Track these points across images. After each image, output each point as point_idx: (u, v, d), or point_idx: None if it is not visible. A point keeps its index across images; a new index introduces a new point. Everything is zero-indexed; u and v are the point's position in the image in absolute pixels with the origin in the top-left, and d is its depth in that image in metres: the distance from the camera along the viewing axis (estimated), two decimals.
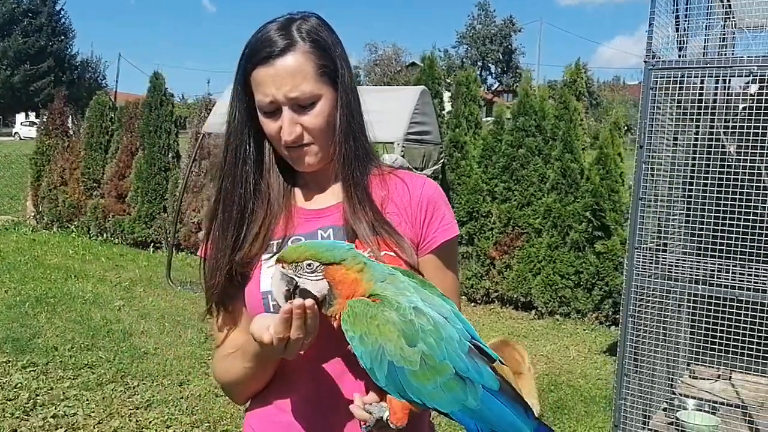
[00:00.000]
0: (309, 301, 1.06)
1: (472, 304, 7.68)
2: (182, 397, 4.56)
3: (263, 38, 1.19)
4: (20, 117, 41.69)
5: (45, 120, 11.82)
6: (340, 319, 1.09)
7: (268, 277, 1.20)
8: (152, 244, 10.07)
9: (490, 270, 7.60)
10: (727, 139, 3.54)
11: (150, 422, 4.19)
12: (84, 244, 10.22)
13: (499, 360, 1.13)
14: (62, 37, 48.36)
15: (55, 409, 4.31)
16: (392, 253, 1.23)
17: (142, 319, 6.41)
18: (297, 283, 1.09)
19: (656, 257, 3.06)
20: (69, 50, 49.02)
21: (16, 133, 37.94)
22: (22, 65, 45.45)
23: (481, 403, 1.05)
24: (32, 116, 37.11)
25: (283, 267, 1.09)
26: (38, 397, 4.46)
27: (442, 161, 7.91)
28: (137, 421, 4.21)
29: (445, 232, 1.30)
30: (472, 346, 1.10)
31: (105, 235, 10.56)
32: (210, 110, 9.05)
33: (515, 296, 7.41)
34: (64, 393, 4.55)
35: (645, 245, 3.07)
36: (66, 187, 11.11)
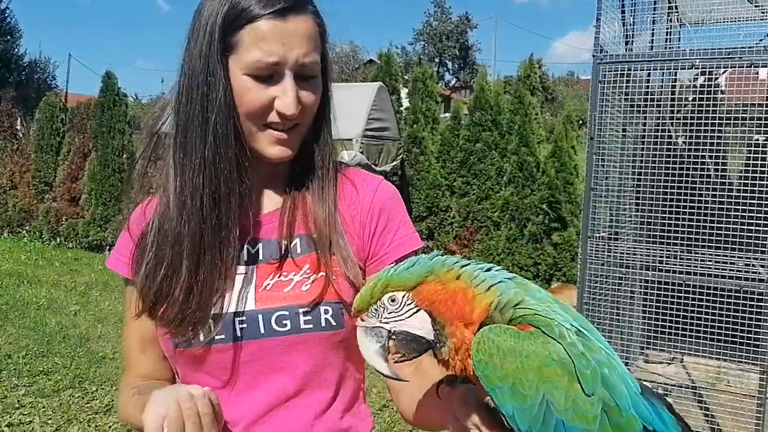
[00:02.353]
0: (201, 400, 0.87)
1: None
2: None
3: None
4: None
5: None
6: (468, 360, 0.76)
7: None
8: (108, 247, 9.88)
9: None
10: (675, 130, 3.66)
11: (110, 427, 4.12)
12: (36, 248, 9.96)
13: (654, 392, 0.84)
14: (8, 37, 46.92)
15: (10, 417, 4.20)
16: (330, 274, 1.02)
17: (99, 324, 6.29)
18: (389, 331, 0.79)
19: (609, 246, 3.15)
20: (16, 50, 47.60)
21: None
22: None
23: None
24: None
25: (362, 319, 0.80)
26: None
27: (400, 157, 7.97)
28: (96, 426, 4.14)
29: (402, 246, 1.08)
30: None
31: (58, 239, 10.31)
32: (165, 109, 8.95)
33: None
34: (19, 401, 4.45)
35: (597, 234, 3.16)
36: (16, 191, 10.81)
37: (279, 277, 1.02)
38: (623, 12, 3.22)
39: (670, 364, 3.73)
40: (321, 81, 1.04)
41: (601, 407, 0.72)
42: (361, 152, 6.92)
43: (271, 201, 1.08)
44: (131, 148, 10.28)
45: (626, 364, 3.69)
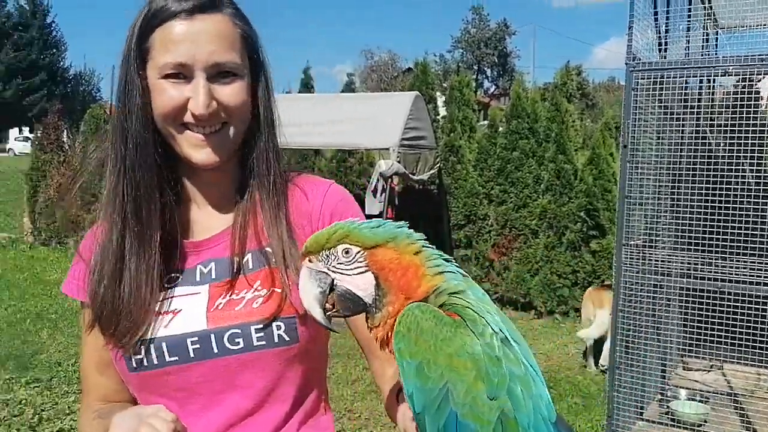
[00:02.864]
0: (165, 424, 0.87)
1: None
2: None
3: None
4: (13, 132, 41.35)
5: (40, 135, 11.65)
6: (392, 330, 0.77)
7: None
8: None
9: (489, 272, 7.69)
10: (713, 137, 3.63)
11: None
12: None
13: None
14: (54, 50, 48.32)
15: (61, 423, 4.36)
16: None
17: None
18: (333, 280, 0.79)
19: (644, 253, 3.15)
20: (61, 63, 48.98)
21: (10, 149, 37.65)
22: (14, 79, 45.45)
23: None
24: (26, 131, 36.95)
25: (310, 260, 0.80)
26: (43, 413, 4.52)
27: (437, 165, 8.01)
28: None
29: None
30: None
31: None
32: None
33: (515, 297, 7.49)
34: (69, 407, 4.61)
35: (633, 242, 3.16)
36: (63, 202, 11.10)
37: (231, 295, 1.00)
38: (656, 19, 3.23)
39: (709, 371, 3.69)
40: (247, 85, 1.01)
41: (499, 415, 0.72)
42: (398, 161, 6.99)
43: (221, 220, 1.07)
44: None
45: (664, 372, 3.67)
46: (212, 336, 0.97)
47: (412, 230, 0.81)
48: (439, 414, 0.73)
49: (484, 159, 7.78)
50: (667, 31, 3.31)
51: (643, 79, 3.06)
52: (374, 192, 7.31)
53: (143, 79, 0.97)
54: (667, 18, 3.33)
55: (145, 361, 0.98)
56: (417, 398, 0.75)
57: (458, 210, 7.76)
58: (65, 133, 11.96)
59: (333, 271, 0.79)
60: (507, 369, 0.73)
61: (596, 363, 5.49)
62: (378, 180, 7.20)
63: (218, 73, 0.97)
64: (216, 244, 1.04)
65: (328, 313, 0.81)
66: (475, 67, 53.99)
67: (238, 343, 0.98)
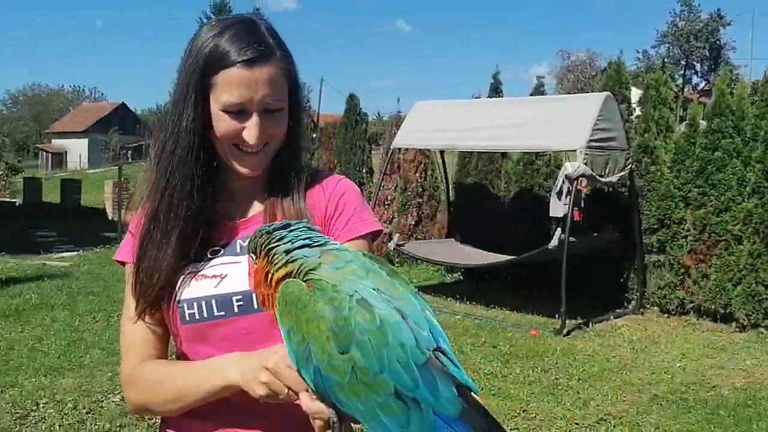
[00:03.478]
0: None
1: (665, 315, 7.34)
2: None
3: (237, 40, 1.17)
4: None
5: None
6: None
7: (188, 287, 1.21)
8: None
9: (685, 279, 7.21)
10: None
11: None
12: None
13: (474, 390, 0.90)
14: None
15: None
16: None
17: None
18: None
19: None
20: None
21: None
22: None
23: (428, 429, 0.84)
24: None
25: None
26: None
27: (629, 167, 7.68)
28: None
29: (351, 232, 1.25)
30: (435, 358, 0.87)
31: None
32: (399, 126, 9.63)
33: (713, 307, 6.95)
34: None
35: None
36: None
37: None
38: None
39: None
40: (287, 112, 1.22)
41: (352, 366, 0.85)
42: (585, 163, 6.84)
43: (255, 207, 1.29)
44: (369, 164, 11.26)
45: None
46: (254, 295, 1.15)
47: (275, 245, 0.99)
48: (308, 370, 0.90)
49: (682, 160, 7.31)
50: None
51: None
52: (559, 194, 7.22)
53: (202, 103, 1.18)
54: None
55: (196, 315, 1.19)
56: (292, 356, 0.92)
57: (651, 213, 7.38)
58: None
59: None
60: (355, 325, 0.85)
61: None
62: (563, 182, 7.10)
63: (267, 110, 1.19)
64: (251, 224, 1.25)
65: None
66: (683, 62, 49.95)
67: None
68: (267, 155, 1.23)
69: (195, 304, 1.19)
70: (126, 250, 1.30)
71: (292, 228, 1.01)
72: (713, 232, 6.92)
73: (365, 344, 0.84)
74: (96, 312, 6.73)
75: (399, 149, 9.32)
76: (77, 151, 52.07)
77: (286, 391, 1.00)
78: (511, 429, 4.20)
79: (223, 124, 1.18)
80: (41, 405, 4.29)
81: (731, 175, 6.82)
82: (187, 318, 1.19)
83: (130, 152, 52.22)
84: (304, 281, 0.92)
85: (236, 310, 1.18)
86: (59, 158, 52.45)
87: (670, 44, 50.28)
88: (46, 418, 4.11)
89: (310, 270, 0.93)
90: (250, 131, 1.18)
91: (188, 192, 1.21)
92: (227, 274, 1.21)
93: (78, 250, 11.26)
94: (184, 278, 1.21)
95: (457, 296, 7.91)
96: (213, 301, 1.19)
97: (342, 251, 0.98)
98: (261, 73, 1.16)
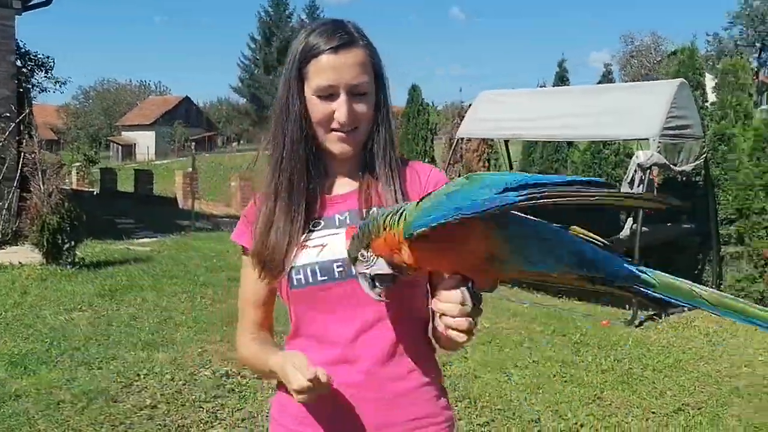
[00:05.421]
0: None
1: None
2: None
3: (324, 34, 1.32)
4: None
5: None
6: (413, 258, 1.11)
7: (295, 256, 1.35)
8: None
9: (765, 272, 6.99)
10: None
11: None
12: None
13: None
14: None
15: None
16: None
17: None
18: (369, 273, 1.18)
19: None
20: None
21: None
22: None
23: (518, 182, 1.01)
24: None
25: (355, 267, 1.20)
26: None
27: (704, 156, 7.47)
28: None
29: None
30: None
31: None
32: (462, 117, 9.63)
33: None
34: None
35: None
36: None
37: None
38: None
39: None
40: (374, 95, 1.35)
41: (471, 180, 1.06)
42: (659, 152, 6.71)
43: (352, 186, 1.42)
44: (432, 154, 11.30)
45: None
46: None
47: (377, 216, 1.15)
48: (445, 203, 1.05)
49: (762, 148, 7.07)
50: None
51: None
52: (631, 183, 7.10)
53: (302, 93, 1.34)
54: None
55: (303, 280, 1.33)
56: (437, 216, 1.03)
57: (728, 203, 7.18)
58: None
59: (366, 268, 1.17)
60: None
61: None
62: (635, 171, 6.98)
63: (354, 92, 1.32)
64: (349, 199, 1.39)
65: (378, 291, 1.19)
66: (758, 45, 47.71)
67: None
68: (357, 137, 1.36)
69: (301, 271, 1.34)
70: (246, 236, 1.44)
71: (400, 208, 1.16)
72: None
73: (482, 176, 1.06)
74: (180, 294, 7.05)
75: (462, 139, 9.32)
76: (145, 143, 53.95)
77: None
78: (585, 415, 4.21)
79: (316, 108, 1.33)
80: (142, 376, 4.56)
81: None
82: (295, 283, 1.34)
83: (194, 144, 53.88)
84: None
85: (337, 275, 1.32)
86: (128, 150, 54.43)
87: (743, 25, 48.08)
88: (148, 387, 4.38)
89: (415, 205, 1.09)
90: (340, 109, 1.31)
91: (304, 167, 1.37)
92: (327, 243, 1.35)
93: (156, 237, 11.75)
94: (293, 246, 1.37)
95: (524, 285, 7.89)
96: (317, 267, 1.33)
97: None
98: (346, 58, 1.30)
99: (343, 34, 1.32)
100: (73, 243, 8.01)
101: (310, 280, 1.33)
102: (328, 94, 1.32)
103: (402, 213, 1.11)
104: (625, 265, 1.06)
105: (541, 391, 4.60)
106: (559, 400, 4.44)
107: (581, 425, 4.08)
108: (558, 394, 4.56)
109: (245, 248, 1.44)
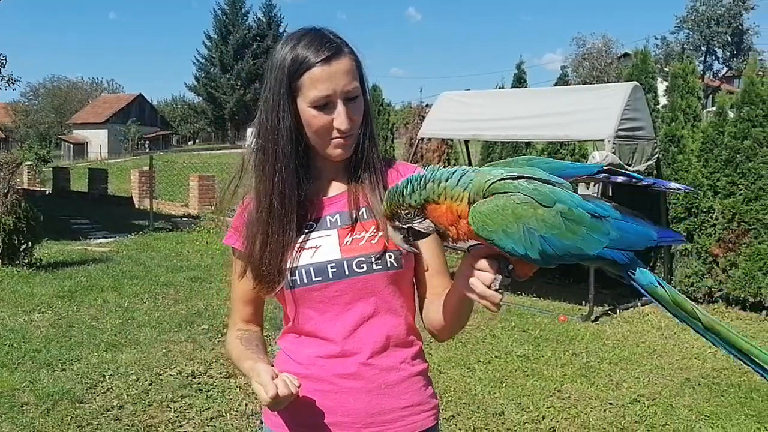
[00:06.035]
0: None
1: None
2: None
3: (311, 46, 1.34)
4: (251, 131, 46.90)
5: None
6: (468, 235, 1.13)
7: (290, 258, 1.39)
8: None
9: (713, 268, 7.29)
10: None
11: None
12: None
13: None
14: None
15: None
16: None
17: None
18: (407, 228, 1.18)
19: None
20: None
21: (249, 144, 42.61)
22: (253, 84, 51.34)
23: (618, 230, 1.09)
24: None
25: (390, 220, 1.19)
26: None
27: (656, 156, 7.75)
28: None
29: None
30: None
31: None
32: (423, 117, 9.74)
33: (743, 296, 7.03)
34: None
35: None
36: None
37: (354, 235, 1.40)
38: None
39: None
40: (363, 100, 1.39)
41: (560, 213, 1.06)
42: (613, 152, 6.93)
43: (341, 187, 1.47)
44: (392, 153, 11.38)
45: None
46: (344, 263, 1.38)
47: (439, 177, 1.14)
48: (533, 243, 1.06)
49: (710, 149, 7.37)
50: None
51: None
52: (587, 183, 7.31)
53: (293, 105, 1.36)
54: None
55: (298, 281, 1.38)
56: (516, 247, 1.07)
57: (678, 202, 7.46)
58: None
59: (405, 224, 1.17)
60: (543, 189, 1.08)
61: None
62: None
63: (348, 98, 1.36)
64: (339, 201, 1.44)
65: (407, 245, 1.21)
66: (704, 48, 49.38)
67: (363, 267, 1.38)
68: (352, 140, 1.41)
69: (296, 272, 1.39)
70: (234, 238, 1.50)
71: (433, 174, 1.16)
72: (742, 221, 6.99)
73: (559, 194, 1.08)
74: (142, 294, 6.99)
75: (422, 139, 9.43)
76: (97, 141, 52.69)
77: None
78: (547, 407, 4.36)
79: (315, 120, 1.36)
80: (107, 377, 4.54)
81: (761, 164, 6.88)
82: (290, 284, 1.40)
83: (148, 142, 52.80)
84: (484, 197, 1.10)
85: (330, 275, 1.38)
86: (80, 149, 53.05)
87: (690, 30, 49.67)
88: (113, 388, 4.35)
89: (486, 187, 1.11)
90: (340, 117, 1.35)
91: (295, 180, 1.40)
92: (321, 245, 1.40)
93: (113, 237, 11.55)
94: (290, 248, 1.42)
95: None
96: (312, 269, 1.38)
97: (482, 168, 1.16)
98: (338, 66, 1.34)
99: (331, 44, 1.35)
100: (30, 243, 7.84)
101: (305, 280, 1.39)
102: (324, 104, 1.35)
103: (467, 188, 1.12)
104: (650, 275, 1.14)
105: (504, 385, 4.74)
106: (522, 394, 4.58)
107: (543, 417, 4.23)
108: (520, 387, 4.71)
109: (235, 249, 1.49)
